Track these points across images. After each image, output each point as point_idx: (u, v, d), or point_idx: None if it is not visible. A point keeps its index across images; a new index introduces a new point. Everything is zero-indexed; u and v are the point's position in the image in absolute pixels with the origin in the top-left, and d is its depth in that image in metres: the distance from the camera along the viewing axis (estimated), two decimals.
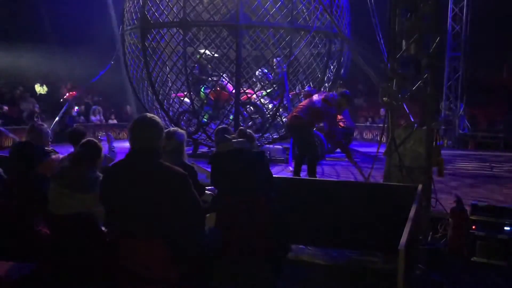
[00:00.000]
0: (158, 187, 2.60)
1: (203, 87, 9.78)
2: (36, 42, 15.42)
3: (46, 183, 3.25)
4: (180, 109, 9.91)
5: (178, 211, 2.64)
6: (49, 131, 4.67)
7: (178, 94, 9.91)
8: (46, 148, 4.21)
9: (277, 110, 9.35)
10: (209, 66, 10.02)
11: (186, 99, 9.59)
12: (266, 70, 10.04)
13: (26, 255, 3.29)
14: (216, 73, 9.96)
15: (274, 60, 9.90)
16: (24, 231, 3.33)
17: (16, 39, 14.97)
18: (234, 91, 9.20)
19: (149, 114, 2.84)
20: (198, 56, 9.90)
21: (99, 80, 11.71)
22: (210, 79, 9.80)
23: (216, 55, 10.11)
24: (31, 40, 15.38)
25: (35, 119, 12.35)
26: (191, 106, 9.29)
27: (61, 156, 4.09)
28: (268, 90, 9.84)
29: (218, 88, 9.55)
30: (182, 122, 9.80)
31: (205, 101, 9.71)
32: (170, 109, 9.95)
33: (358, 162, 7.01)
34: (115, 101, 17.07)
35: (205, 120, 9.66)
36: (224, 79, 9.68)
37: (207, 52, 9.99)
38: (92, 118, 15.45)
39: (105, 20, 13.39)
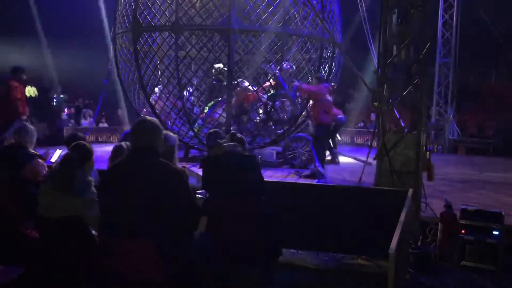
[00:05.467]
0: (158, 183, 2.68)
1: (211, 103, 9.76)
2: (27, 41, 15.25)
3: (33, 186, 3.22)
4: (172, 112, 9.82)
5: (175, 208, 2.69)
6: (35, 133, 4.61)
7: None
8: (31, 151, 4.18)
9: (270, 112, 9.34)
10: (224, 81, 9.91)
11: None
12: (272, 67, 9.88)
13: (14, 259, 3.26)
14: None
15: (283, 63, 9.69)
16: (12, 234, 3.30)
17: (6, 38, 14.80)
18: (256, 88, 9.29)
19: (149, 117, 3.06)
20: (215, 72, 9.90)
21: (90, 82, 11.62)
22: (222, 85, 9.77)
23: (225, 68, 10.00)
24: (22, 40, 15.21)
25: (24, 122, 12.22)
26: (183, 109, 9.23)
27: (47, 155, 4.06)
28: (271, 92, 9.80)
29: (244, 93, 9.51)
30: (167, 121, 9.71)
31: (205, 112, 9.71)
32: (162, 112, 9.89)
33: (351, 166, 7.04)
34: (106, 104, 16.94)
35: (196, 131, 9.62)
36: (243, 82, 9.65)
37: (221, 65, 9.96)
38: (83, 121, 15.34)
39: (98, 20, 13.32)
